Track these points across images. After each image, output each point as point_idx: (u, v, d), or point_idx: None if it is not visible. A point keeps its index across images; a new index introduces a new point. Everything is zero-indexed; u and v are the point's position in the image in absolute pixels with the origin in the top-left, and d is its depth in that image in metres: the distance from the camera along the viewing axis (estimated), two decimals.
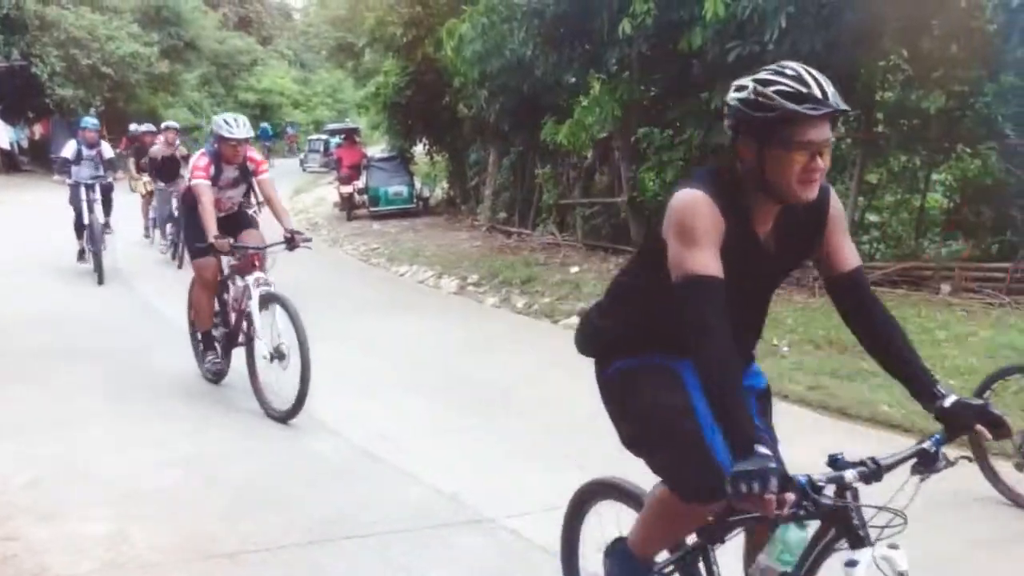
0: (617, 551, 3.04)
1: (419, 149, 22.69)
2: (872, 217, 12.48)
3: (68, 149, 12.28)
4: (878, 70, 10.57)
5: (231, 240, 6.66)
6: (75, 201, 12.10)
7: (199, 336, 7.40)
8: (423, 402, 6.86)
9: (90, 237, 11.87)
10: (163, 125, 14.92)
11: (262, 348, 6.49)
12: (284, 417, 6.26)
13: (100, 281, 11.68)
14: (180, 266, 12.33)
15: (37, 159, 29.59)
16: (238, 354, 7.05)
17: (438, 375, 7.70)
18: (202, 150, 7.19)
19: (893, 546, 2.33)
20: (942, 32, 9.65)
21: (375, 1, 20.98)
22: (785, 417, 6.48)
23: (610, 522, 3.17)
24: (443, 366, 8.05)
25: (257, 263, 6.76)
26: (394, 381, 7.53)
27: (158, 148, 13.91)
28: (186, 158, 12.91)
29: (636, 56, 11.60)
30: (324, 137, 35.20)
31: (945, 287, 9.71)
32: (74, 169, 12.05)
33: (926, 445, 2.45)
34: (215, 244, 6.52)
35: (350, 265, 14.90)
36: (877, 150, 11.25)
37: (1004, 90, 9.36)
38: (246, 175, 7.20)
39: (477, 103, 15.50)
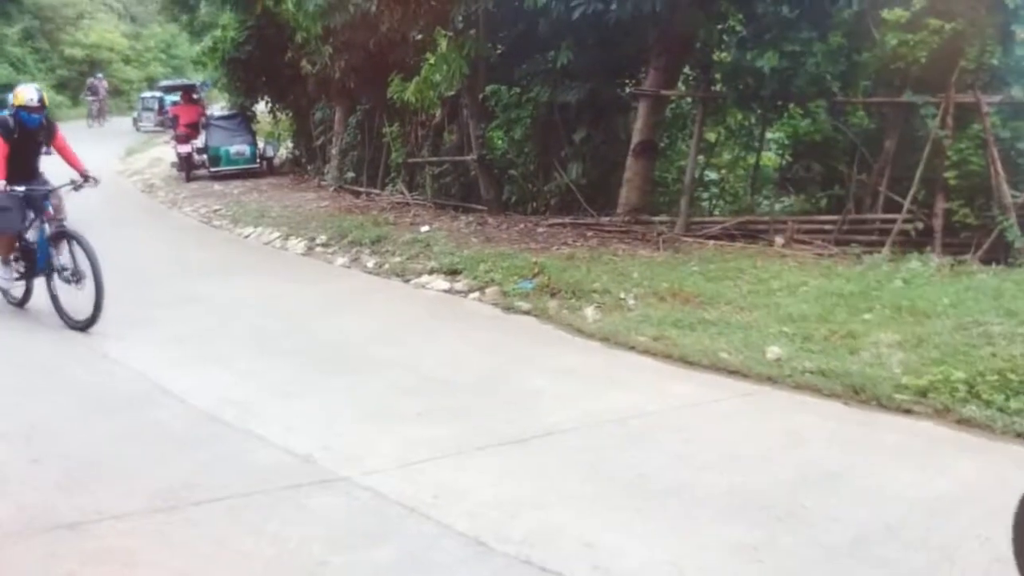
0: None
1: (261, 107, 21.96)
2: (711, 174, 12.95)
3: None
4: (715, 31, 10.90)
5: None
6: None
7: None
8: (272, 365, 6.71)
9: None
10: None
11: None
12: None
13: None
14: None
15: None
16: None
17: (287, 337, 7.53)
18: None
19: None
20: None
21: None
22: (632, 366, 6.74)
23: None
24: (292, 328, 7.88)
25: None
26: (241, 345, 7.32)
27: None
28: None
29: (483, 13, 11.55)
30: (159, 95, 33.52)
31: (779, 239, 10.20)
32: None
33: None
34: None
35: (191, 228, 14.32)
36: (715, 109, 11.63)
37: (833, 50, 9.82)
38: None
39: (321, 59, 15.11)
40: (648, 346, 7.03)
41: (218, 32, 20.47)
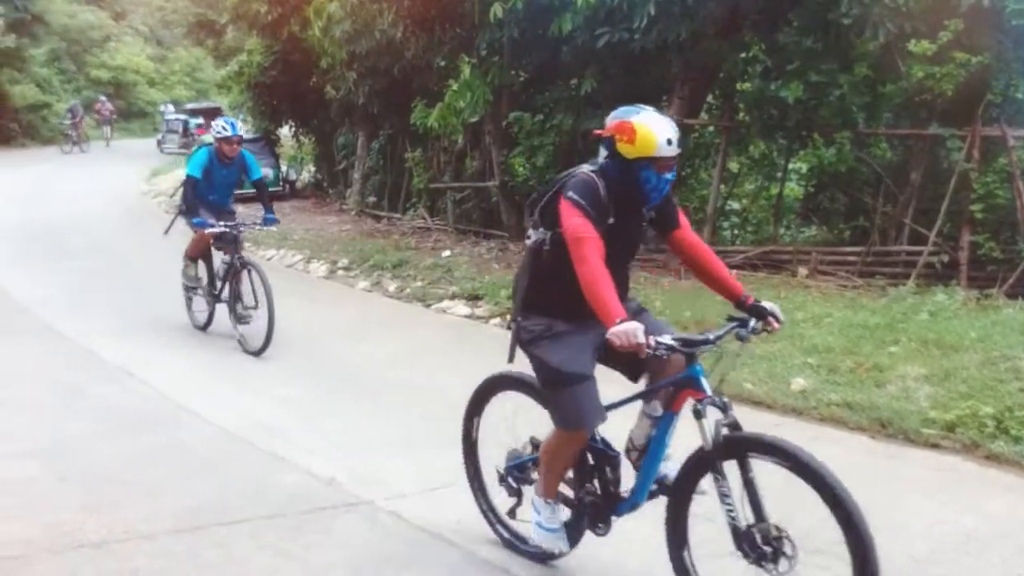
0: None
1: (285, 131, 22.15)
2: (734, 204, 12.93)
3: None
4: (739, 61, 10.92)
5: None
6: None
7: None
8: (294, 387, 6.72)
9: None
10: None
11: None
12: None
13: None
14: None
15: None
16: None
17: (310, 361, 7.54)
18: None
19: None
20: (800, 25, 10.03)
21: None
22: None
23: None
24: (315, 352, 7.89)
25: None
26: (263, 367, 7.33)
27: None
28: None
29: (507, 40, 11.62)
30: (183, 117, 33.90)
31: (802, 270, 10.15)
32: None
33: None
34: None
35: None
36: (738, 138, 11.63)
37: (857, 81, 9.81)
38: None
39: (345, 85, 15.25)
40: None
41: (244, 56, 20.71)
